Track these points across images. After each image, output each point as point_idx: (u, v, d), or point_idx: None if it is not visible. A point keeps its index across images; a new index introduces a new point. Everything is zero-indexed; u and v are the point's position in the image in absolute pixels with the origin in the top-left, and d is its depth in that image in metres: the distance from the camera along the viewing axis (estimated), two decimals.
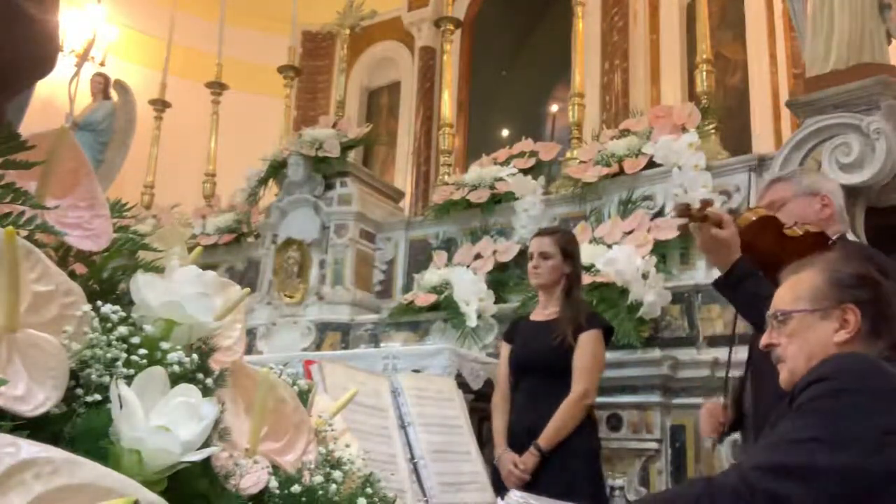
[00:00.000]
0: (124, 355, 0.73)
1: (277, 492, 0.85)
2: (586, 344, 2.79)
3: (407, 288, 4.64)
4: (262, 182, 5.40)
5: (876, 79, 3.14)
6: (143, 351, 0.74)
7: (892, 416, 1.24)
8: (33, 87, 1.05)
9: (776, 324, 1.50)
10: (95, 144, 6.28)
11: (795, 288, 1.49)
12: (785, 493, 1.20)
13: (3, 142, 0.81)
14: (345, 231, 4.85)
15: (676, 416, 3.30)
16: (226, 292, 0.93)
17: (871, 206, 3.18)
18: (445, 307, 4.08)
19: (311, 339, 4.56)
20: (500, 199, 4.44)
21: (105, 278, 0.88)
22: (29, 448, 0.53)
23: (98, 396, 0.70)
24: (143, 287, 0.81)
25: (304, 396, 1.05)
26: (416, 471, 2.13)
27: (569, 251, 2.98)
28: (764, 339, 1.53)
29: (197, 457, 0.67)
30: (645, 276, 3.44)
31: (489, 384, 3.14)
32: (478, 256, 4.34)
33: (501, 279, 4.22)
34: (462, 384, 2.96)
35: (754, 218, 2.10)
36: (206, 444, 0.70)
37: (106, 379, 0.71)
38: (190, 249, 1.01)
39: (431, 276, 4.29)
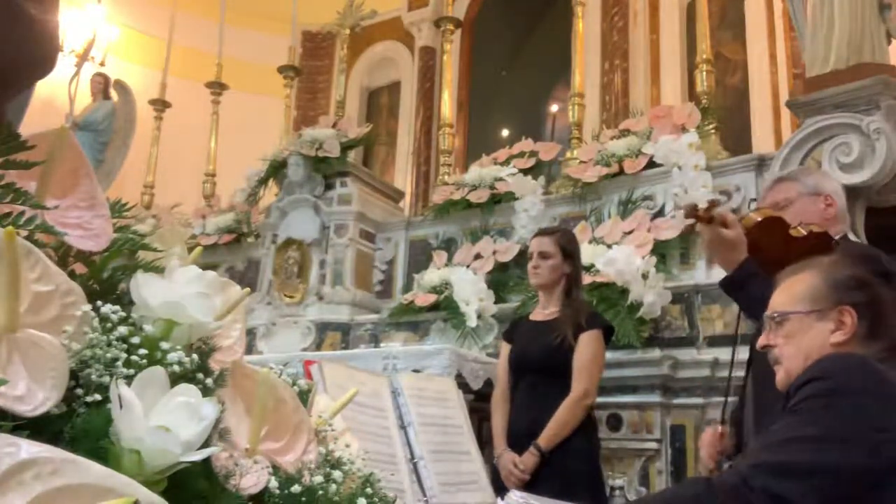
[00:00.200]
0: (124, 355, 0.73)
1: (277, 492, 0.85)
2: (586, 344, 2.79)
3: (407, 288, 4.64)
4: (262, 182, 5.40)
5: (876, 79, 3.14)
6: (143, 351, 0.75)
7: (886, 414, 1.26)
8: (33, 87, 1.05)
9: (773, 325, 1.51)
10: (95, 144, 6.29)
11: (792, 290, 1.51)
12: (783, 492, 1.21)
13: (3, 142, 0.81)
14: (345, 231, 4.85)
15: (676, 416, 3.30)
16: (226, 292, 0.93)
17: (871, 206, 3.18)
18: (445, 307, 4.08)
19: (311, 339, 4.56)
20: (500, 199, 4.44)
21: (105, 278, 0.88)
22: (29, 448, 0.53)
23: (98, 396, 0.70)
24: (143, 287, 0.81)
25: (304, 396, 1.05)
26: (416, 471, 2.13)
27: (569, 251, 2.97)
28: (761, 340, 1.54)
29: (197, 457, 0.67)
30: (645, 276, 3.44)
31: (489, 384, 3.13)
32: (478, 256, 4.34)
33: (501, 279, 4.22)
34: (462, 384, 2.96)
35: (760, 218, 2.11)
36: (206, 444, 0.70)
37: (106, 379, 0.71)
38: (190, 249, 1.01)
39: (431, 276, 4.29)
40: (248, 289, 0.99)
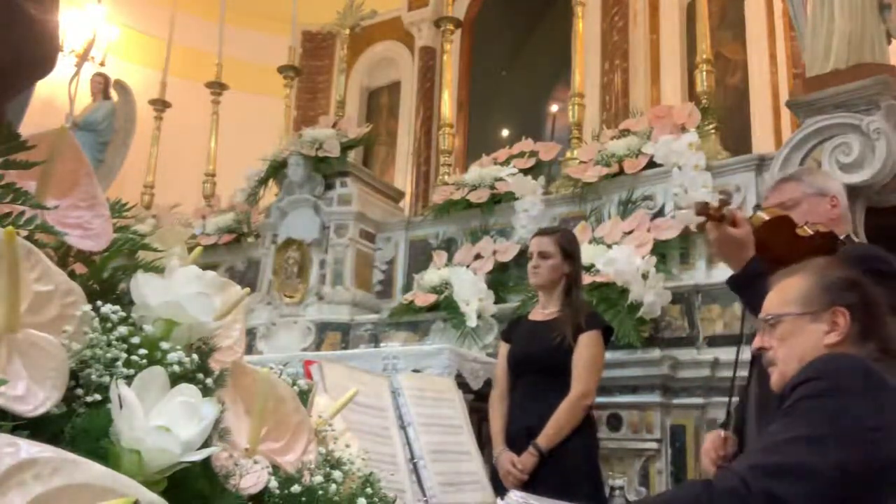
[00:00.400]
0: (124, 355, 0.73)
1: (277, 492, 0.85)
2: (586, 345, 2.79)
3: (407, 288, 4.64)
4: (262, 182, 5.40)
5: (876, 79, 3.14)
6: (143, 351, 0.75)
7: (881, 413, 1.26)
8: (33, 87, 1.05)
9: (767, 327, 1.52)
10: (95, 144, 6.28)
11: (785, 292, 1.52)
12: (782, 492, 1.21)
13: (3, 142, 0.81)
14: (345, 231, 4.85)
15: (676, 416, 3.30)
16: (226, 292, 0.93)
17: (871, 206, 3.18)
18: (445, 307, 4.08)
19: (311, 339, 4.56)
20: (500, 199, 4.45)
21: (105, 278, 0.88)
22: (29, 448, 0.53)
23: (98, 396, 0.70)
24: (143, 287, 0.81)
25: (304, 396, 1.05)
26: (415, 471, 2.13)
27: (568, 251, 2.97)
28: (755, 343, 1.56)
29: (197, 457, 0.67)
30: (645, 276, 3.44)
31: (489, 384, 3.13)
32: (478, 256, 4.34)
33: (501, 279, 4.22)
34: (462, 384, 2.96)
35: (768, 217, 2.12)
36: (206, 444, 0.70)
37: (106, 379, 0.71)
38: (190, 249, 1.01)
39: (431, 276, 4.29)
40: (247, 289, 0.99)
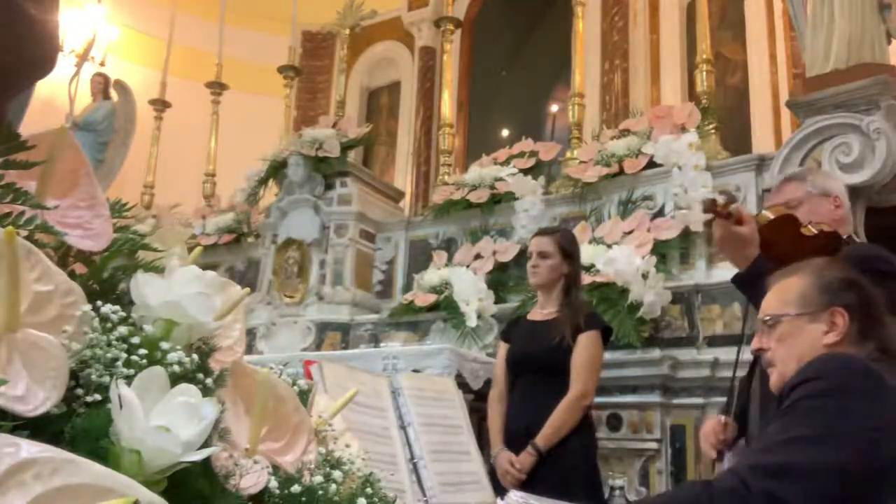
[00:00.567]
0: (124, 355, 0.73)
1: (277, 492, 0.85)
2: (585, 345, 2.79)
3: (407, 288, 4.64)
4: (262, 182, 5.40)
5: (876, 79, 3.14)
6: (143, 351, 0.74)
7: (880, 413, 1.26)
8: (33, 87, 1.05)
9: (766, 328, 1.52)
10: (95, 144, 6.28)
11: (784, 292, 1.52)
12: (782, 492, 1.21)
13: (3, 142, 0.81)
14: (345, 231, 4.85)
15: (676, 416, 3.30)
16: (226, 292, 0.93)
17: (871, 206, 3.19)
18: (445, 307, 4.08)
19: (311, 339, 4.56)
20: (500, 199, 4.45)
21: (105, 278, 0.88)
22: (29, 448, 0.53)
23: (98, 396, 0.70)
24: (143, 287, 0.81)
25: (304, 396, 1.05)
26: (415, 471, 2.13)
27: (568, 251, 2.97)
28: (754, 344, 1.56)
29: (197, 457, 0.67)
30: (645, 276, 3.44)
31: (489, 384, 3.13)
32: (478, 256, 4.34)
33: (501, 279, 4.22)
34: (462, 384, 2.96)
35: (773, 216, 2.13)
36: (206, 444, 0.70)
37: (106, 379, 0.71)
38: (190, 249, 1.01)
39: (431, 276, 4.29)
40: (247, 289, 0.99)
